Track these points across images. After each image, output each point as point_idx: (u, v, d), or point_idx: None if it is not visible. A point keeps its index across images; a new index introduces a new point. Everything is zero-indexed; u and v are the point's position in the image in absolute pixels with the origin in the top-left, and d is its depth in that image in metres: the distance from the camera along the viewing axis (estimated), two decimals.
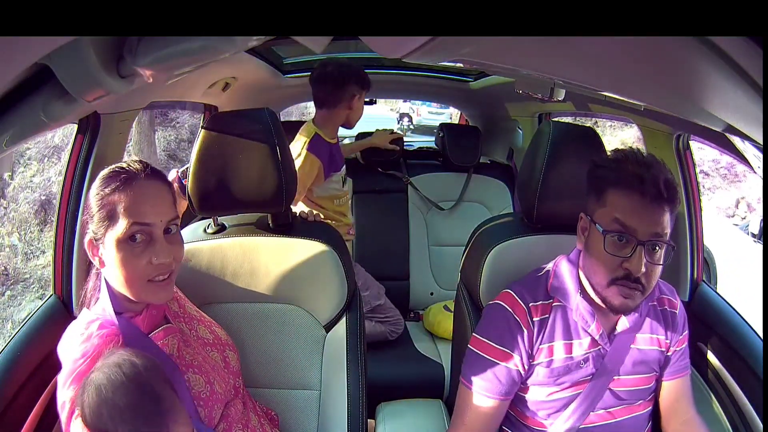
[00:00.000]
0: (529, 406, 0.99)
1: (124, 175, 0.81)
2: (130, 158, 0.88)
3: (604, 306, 0.92)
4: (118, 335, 0.82)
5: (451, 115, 5.01)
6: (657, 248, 0.87)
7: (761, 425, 1.03)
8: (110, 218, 0.80)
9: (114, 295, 0.84)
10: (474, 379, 0.95)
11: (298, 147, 1.61)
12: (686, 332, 1.05)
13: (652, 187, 0.85)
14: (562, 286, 0.97)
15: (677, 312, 1.04)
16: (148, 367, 0.73)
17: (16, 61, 0.40)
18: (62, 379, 0.80)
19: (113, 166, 0.84)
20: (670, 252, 0.89)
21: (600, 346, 0.96)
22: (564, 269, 0.98)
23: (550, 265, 1.01)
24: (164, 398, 0.73)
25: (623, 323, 0.96)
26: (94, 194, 0.82)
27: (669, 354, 1.03)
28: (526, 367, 0.96)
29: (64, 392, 0.79)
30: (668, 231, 0.88)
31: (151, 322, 0.87)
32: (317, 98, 1.69)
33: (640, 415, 1.01)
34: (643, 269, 0.86)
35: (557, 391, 0.96)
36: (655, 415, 1.07)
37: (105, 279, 0.84)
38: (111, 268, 0.82)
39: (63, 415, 0.79)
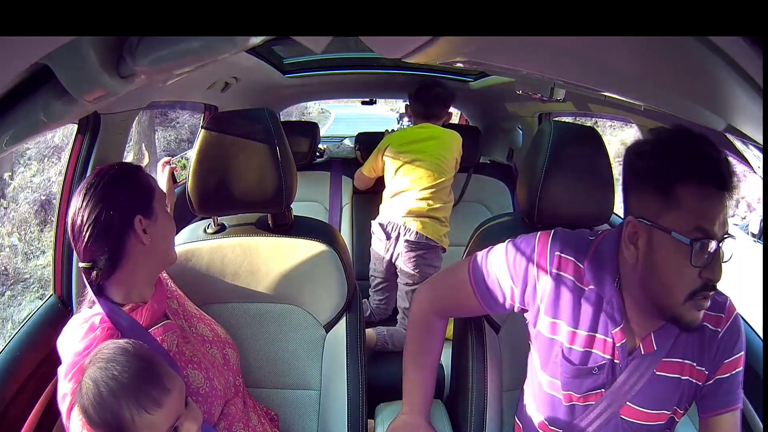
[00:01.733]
0: (539, 397, 0.93)
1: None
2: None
3: (673, 323, 0.78)
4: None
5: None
6: (723, 245, 0.73)
7: (761, 425, 1.03)
8: (157, 189, 0.90)
9: (119, 288, 0.87)
10: (477, 279, 0.93)
11: None
12: (740, 354, 0.84)
13: (725, 177, 0.70)
14: (599, 272, 0.83)
15: (721, 331, 0.83)
16: (133, 343, 0.76)
17: (16, 61, 0.40)
18: (63, 371, 0.81)
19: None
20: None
21: (618, 360, 0.84)
22: (604, 252, 0.84)
23: (595, 236, 0.88)
24: (154, 361, 0.75)
25: (650, 344, 0.82)
26: (135, 180, 0.88)
27: (708, 383, 0.85)
28: (521, 305, 0.91)
29: (65, 384, 0.79)
30: None
31: (151, 318, 0.88)
32: (422, 113, 1.99)
33: None
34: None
35: (567, 395, 0.88)
36: None
37: (110, 272, 0.86)
38: (160, 237, 0.88)
39: (63, 407, 0.80)
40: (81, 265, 0.86)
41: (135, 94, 1.19)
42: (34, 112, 0.46)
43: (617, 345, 0.83)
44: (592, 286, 0.84)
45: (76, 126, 1.17)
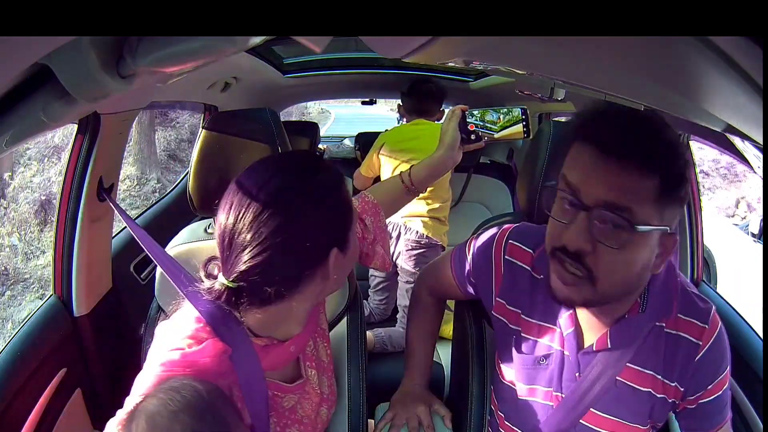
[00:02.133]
0: (501, 392, 0.93)
1: (337, 173, 0.73)
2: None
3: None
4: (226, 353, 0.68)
5: None
6: (617, 226, 0.64)
7: (761, 425, 1.03)
8: (353, 214, 0.73)
9: (264, 318, 0.71)
10: (455, 259, 0.99)
11: None
12: (725, 373, 0.77)
13: (611, 138, 0.63)
14: (546, 260, 0.76)
15: (703, 347, 0.74)
16: (210, 391, 0.62)
17: (16, 61, 0.40)
18: (135, 392, 0.65)
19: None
20: (635, 238, 0.64)
21: (567, 352, 0.79)
22: None
23: None
24: (228, 422, 0.62)
25: (604, 341, 0.76)
26: (340, 199, 0.71)
27: (691, 407, 0.78)
28: (477, 293, 0.95)
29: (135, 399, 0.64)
30: (638, 207, 0.63)
31: (282, 360, 0.75)
32: (416, 109, 2.01)
33: None
34: (586, 246, 0.65)
35: (526, 389, 0.85)
36: None
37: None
38: (343, 270, 0.73)
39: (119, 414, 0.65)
40: (224, 281, 0.68)
41: (135, 94, 1.19)
42: (34, 112, 0.46)
43: (565, 334, 0.79)
44: (542, 275, 0.82)
45: (76, 126, 1.17)
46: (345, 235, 0.71)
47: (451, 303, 1.93)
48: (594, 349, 0.77)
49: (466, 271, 0.96)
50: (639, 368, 0.76)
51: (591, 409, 0.79)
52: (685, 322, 0.75)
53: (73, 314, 1.19)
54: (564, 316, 0.79)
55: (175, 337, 0.67)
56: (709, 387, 0.76)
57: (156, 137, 7.84)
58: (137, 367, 1.06)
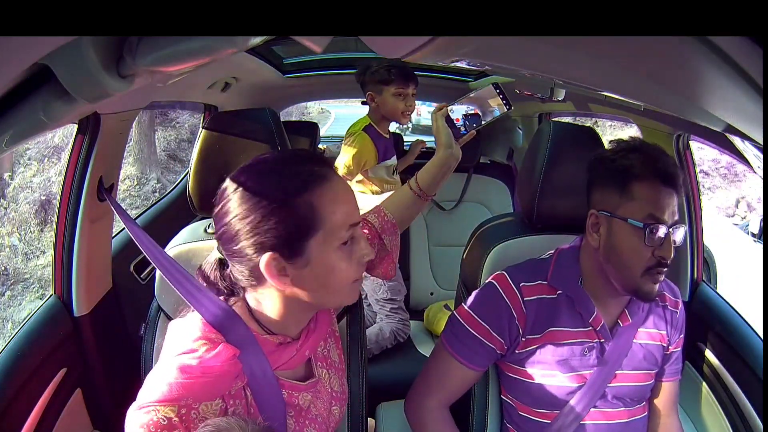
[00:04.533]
0: (534, 394, 0.97)
1: (312, 175, 0.69)
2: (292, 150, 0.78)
3: (631, 296, 0.93)
4: (236, 358, 0.68)
5: None
6: (676, 230, 0.88)
7: (761, 425, 1.03)
8: (325, 226, 0.67)
9: (263, 311, 0.73)
10: (454, 345, 1.00)
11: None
12: (683, 335, 1.05)
13: (672, 176, 0.87)
14: (563, 276, 0.97)
15: (678, 312, 1.03)
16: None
17: (16, 61, 0.40)
18: (154, 391, 0.63)
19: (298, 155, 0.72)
20: (686, 232, 0.92)
21: (603, 340, 0.96)
22: (564, 260, 0.99)
23: (548, 255, 1.02)
24: None
25: (626, 317, 0.97)
26: (277, 200, 0.67)
27: (668, 353, 1.03)
28: (507, 347, 0.97)
29: (145, 415, 0.61)
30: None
31: (295, 363, 0.76)
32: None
33: (638, 419, 1.01)
34: (673, 253, 0.88)
35: (562, 379, 0.95)
36: None
37: (254, 301, 0.73)
38: (311, 282, 0.69)
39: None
40: (218, 255, 0.74)
41: (135, 94, 1.19)
42: (34, 112, 0.46)
43: (598, 329, 0.96)
44: (560, 291, 0.97)
45: (76, 126, 1.17)
46: (294, 245, 0.67)
47: (450, 303, 1.94)
48: (622, 325, 0.97)
49: (481, 343, 0.97)
50: (651, 330, 1.00)
51: (616, 371, 0.97)
52: (666, 296, 1.03)
53: (73, 314, 1.20)
54: (593, 317, 0.95)
55: (187, 339, 0.69)
56: (677, 339, 1.04)
57: (156, 137, 7.84)
58: (137, 367, 1.07)
